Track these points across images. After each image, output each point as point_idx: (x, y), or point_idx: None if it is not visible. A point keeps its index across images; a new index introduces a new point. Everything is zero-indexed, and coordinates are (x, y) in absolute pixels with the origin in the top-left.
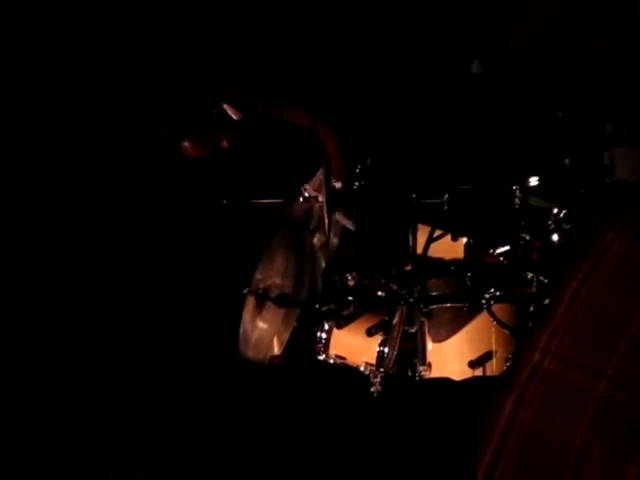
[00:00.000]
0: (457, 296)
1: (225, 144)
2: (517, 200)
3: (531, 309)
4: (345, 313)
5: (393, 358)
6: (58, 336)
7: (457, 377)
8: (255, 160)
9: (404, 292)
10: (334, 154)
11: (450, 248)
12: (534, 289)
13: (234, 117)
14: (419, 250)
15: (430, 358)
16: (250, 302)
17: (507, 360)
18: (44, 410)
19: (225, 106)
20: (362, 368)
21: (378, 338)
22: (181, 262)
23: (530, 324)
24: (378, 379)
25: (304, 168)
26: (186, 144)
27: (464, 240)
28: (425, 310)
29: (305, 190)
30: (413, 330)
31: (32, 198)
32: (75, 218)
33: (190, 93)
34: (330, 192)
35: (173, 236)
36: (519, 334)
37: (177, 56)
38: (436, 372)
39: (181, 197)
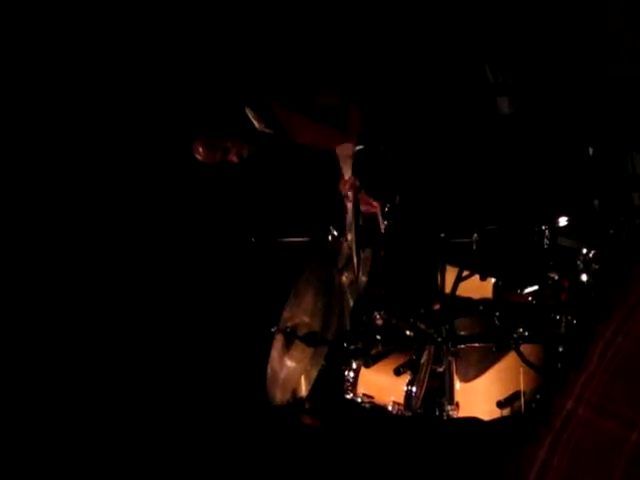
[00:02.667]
0: (485, 336)
1: (235, 158)
2: (546, 240)
3: (560, 350)
4: (373, 352)
5: (421, 397)
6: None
7: (485, 417)
8: (282, 195)
9: (432, 331)
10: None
11: (478, 288)
12: (563, 330)
13: (256, 124)
14: (447, 289)
15: (458, 398)
16: (278, 340)
17: (535, 400)
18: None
19: (248, 111)
20: (390, 407)
21: (406, 377)
22: (212, 300)
23: (559, 365)
24: None
25: (333, 205)
26: (196, 145)
27: (493, 280)
28: (453, 349)
29: (334, 229)
30: (441, 369)
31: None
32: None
33: (211, 94)
34: (359, 230)
35: (203, 274)
36: (548, 375)
37: (198, 56)
38: (464, 412)
39: (210, 235)
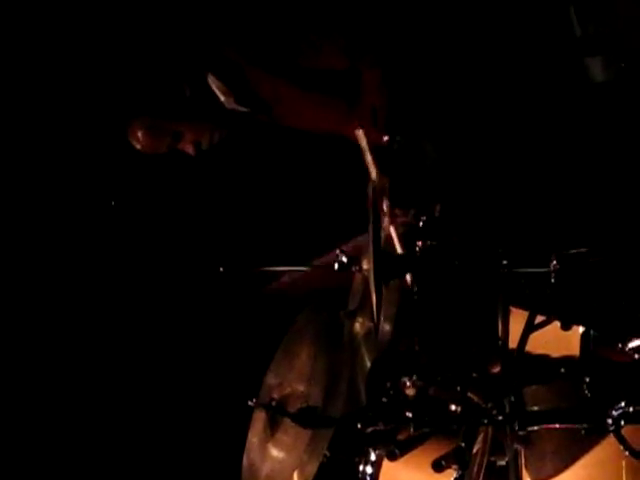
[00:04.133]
0: (570, 413)
1: (190, 148)
2: None
3: None
4: (401, 437)
5: None
6: None
7: None
8: (263, 202)
9: (489, 406)
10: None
11: (559, 341)
12: None
13: (222, 98)
14: (512, 343)
15: None
16: (259, 420)
17: None
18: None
19: (211, 80)
20: None
21: (451, 474)
22: (160, 360)
23: None
24: None
25: (340, 211)
26: (134, 128)
27: (580, 329)
28: (521, 433)
29: (341, 252)
30: (503, 463)
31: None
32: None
33: (155, 52)
34: (379, 254)
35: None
36: None
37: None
38: None
39: (153, 261)
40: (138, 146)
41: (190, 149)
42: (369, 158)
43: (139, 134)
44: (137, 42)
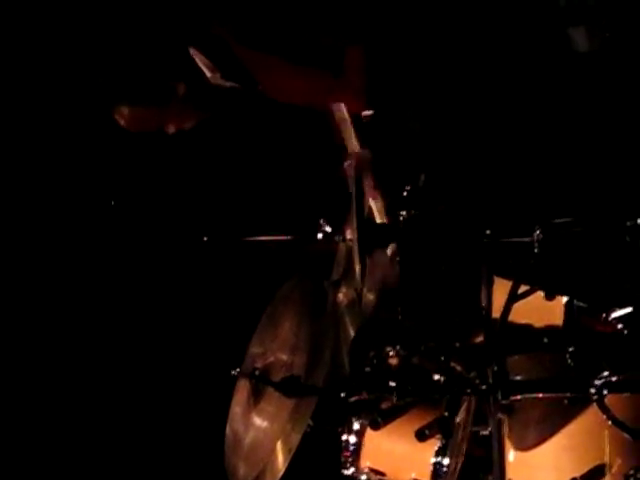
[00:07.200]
0: (553, 382)
1: (171, 128)
2: None
3: None
4: (384, 406)
5: (457, 473)
6: None
7: None
8: (248, 173)
9: (473, 375)
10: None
11: (543, 310)
12: None
13: (207, 74)
14: (496, 313)
15: (512, 474)
16: (243, 389)
17: (628, 478)
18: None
19: (197, 56)
20: None
21: (434, 444)
22: (146, 329)
23: None
24: None
25: (324, 184)
26: (123, 112)
27: (564, 299)
28: (504, 403)
29: (324, 223)
30: (486, 432)
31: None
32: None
33: (136, 30)
34: (363, 224)
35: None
36: None
37: None
38: None
39: (142, 233)
40: (122, 124)
41: (171, 130)
42: (350, 130)
43: (125, 117)
44: (122, 23)
